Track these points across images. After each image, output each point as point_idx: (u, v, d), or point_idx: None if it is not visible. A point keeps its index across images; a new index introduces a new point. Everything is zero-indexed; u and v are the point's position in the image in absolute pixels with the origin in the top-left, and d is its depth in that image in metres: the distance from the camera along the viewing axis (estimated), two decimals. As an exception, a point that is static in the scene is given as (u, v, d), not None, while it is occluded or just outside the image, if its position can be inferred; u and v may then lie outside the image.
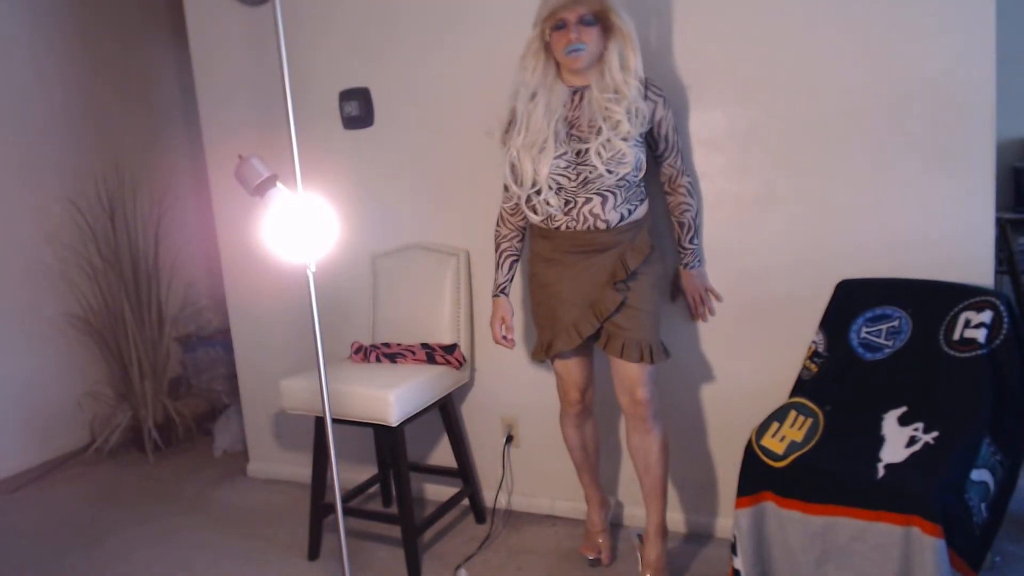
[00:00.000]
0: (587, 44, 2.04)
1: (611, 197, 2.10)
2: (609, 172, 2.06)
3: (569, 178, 2.10)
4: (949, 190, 2.09)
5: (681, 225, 2.27)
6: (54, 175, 3.71)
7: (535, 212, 2.18)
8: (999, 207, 2.11)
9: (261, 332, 3.20)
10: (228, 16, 2.99)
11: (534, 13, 2.12)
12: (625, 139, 2.06)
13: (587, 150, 2.07)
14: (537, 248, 2.26)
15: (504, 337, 2.35)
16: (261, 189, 1.85)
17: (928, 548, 1.61)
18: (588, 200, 2.10)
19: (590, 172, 2.08)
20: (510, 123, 2.19)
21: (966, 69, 2.02)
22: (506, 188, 2.25)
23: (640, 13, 2.32)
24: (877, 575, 1.70)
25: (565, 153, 2.09)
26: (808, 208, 2.25)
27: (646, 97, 2.11)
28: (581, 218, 2.12)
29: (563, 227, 2.14)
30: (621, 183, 2.10)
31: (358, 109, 2.79)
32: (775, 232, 2.30)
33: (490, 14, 2.55)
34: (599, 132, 2.06)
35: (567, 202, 2.12)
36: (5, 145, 3.55)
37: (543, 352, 2.27)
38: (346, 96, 2.81)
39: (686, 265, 2.32)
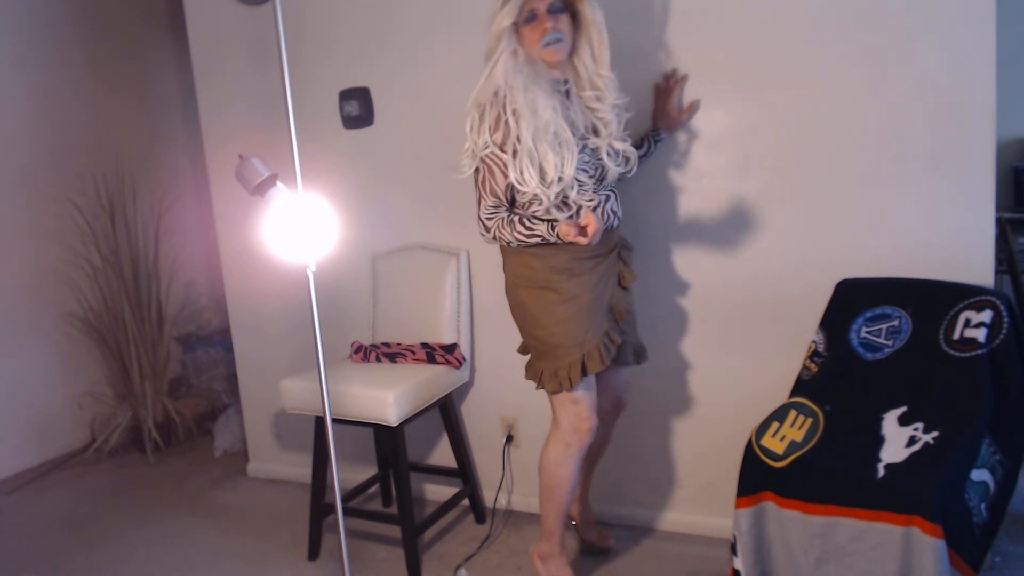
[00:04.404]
0: (563, 33, 1.90)
1: (615, 193, 2.08)
2: (619, 169, 2.03)
3: (589, 173, 1.96)
4: (949, 190, 2.09)
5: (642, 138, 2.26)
6: (54, 175, 3.71)
7: (552, 229, 1.92)
8: (999, 207, 2.11)
9: (261, 332, 3.20)
10: (228, 16, 2.98)
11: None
12: (622, 139, 2.03)
13: (598, 148, 1.98)
14: (549, 262, 2.00)
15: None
16: (261, 189, 1.85)
17: (928, 548, 1.61)
18: (607, 198, 2.03)
19: (604, 170, 2.00)
20: (494, 126, 1.91)
21: (966, 69, 2.02)
22: (509, 202, 1.99)
23: (641, 10, 2.32)
24: (877, 575, 1.71)
25: (584, 148, 1.96)
26: (808, 208, 2.25)
27: None
28: (605, 216, 2.01)
29: None
30: (618, 179, 2.10)
31: (358, 109, 2.79)
32: (775, 232, 2.29)
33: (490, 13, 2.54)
34: (596, 133, 2.00)
35: (591, 201, 1.98)
36: (5, 145, 3.55)
37: (571, 378, 1.99)
38: (346, 96, 2.81)
39: (657, 133, 2.29)
